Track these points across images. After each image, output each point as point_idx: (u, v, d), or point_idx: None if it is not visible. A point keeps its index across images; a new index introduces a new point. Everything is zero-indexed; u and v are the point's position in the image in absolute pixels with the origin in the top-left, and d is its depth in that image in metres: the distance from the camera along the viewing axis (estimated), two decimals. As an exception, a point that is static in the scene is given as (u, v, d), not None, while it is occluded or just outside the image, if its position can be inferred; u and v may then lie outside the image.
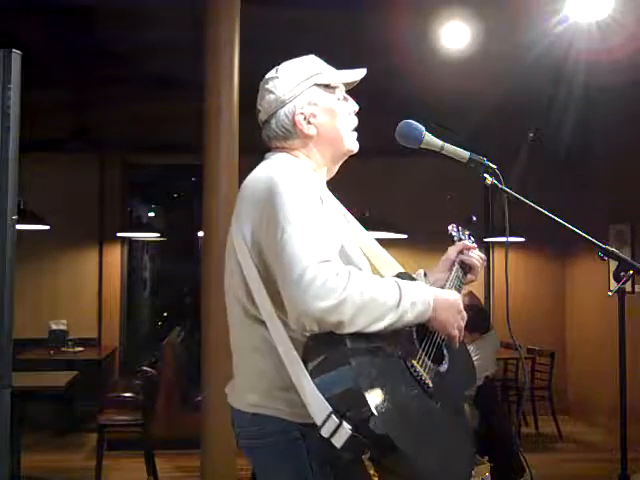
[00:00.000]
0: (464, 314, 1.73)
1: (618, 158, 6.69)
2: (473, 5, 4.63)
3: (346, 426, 1.43)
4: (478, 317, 5.22)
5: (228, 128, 4.24)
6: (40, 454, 5.77)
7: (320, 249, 1.53)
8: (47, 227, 6.43)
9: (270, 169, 1.74)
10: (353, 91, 1.94)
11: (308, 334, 1.54)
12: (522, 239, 6.64)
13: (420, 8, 4.60)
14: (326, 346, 1.52)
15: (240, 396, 1.73)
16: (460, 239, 2.13)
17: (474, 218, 2.06)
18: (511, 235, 1.85)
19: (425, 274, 1.97)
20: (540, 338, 7.23)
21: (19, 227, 1.99)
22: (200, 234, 6.49)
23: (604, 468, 4.15)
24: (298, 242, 1.53)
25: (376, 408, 1.43)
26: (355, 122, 1.90)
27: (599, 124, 6.42)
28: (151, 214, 11.23)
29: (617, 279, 2.08)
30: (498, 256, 7.81)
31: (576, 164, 7.37)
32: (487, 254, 7.84)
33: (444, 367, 1.71)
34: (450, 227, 2.19)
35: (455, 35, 4.94)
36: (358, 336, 1.51)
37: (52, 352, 6.68)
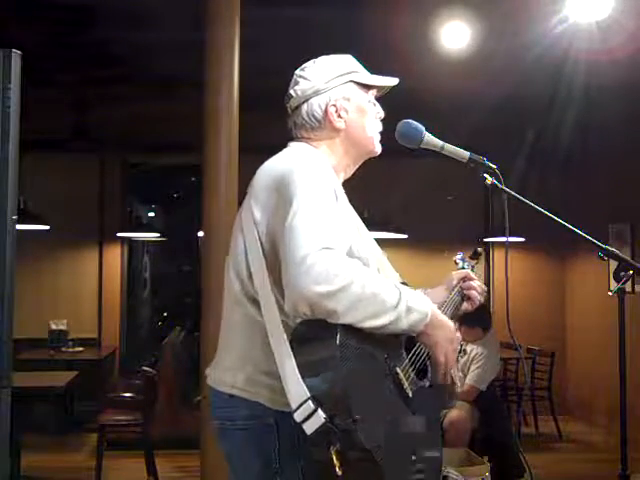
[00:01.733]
0: (456, 346, 1.72)
1: (618, 158, 6.70)
2: (473, 5, 4.62)
3: (321, 414, 1.44)
4: (479, 311, 5.21)
5: (228, 128, 4.24)
6: (40, 454, 5.76)
7: (326, 236, 1.53)
8: (47, 227, 6.43)
9: (289, 157, 1.75)
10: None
11: (300, 319, 1.54)
12: (522, 239, 6.64)
13: (420, 8, 4.59)
14: (316, 335, 1.52)
15: (220, 376, 1.74)
16: (464, 268, 2.13)
17: (479, 250, 2.07)
18: (511, 235, 1.84)
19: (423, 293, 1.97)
20: (540, 338, 7.23)
21: (19, 227, 1.99)
22: (200, 234, 6.49)
23: (604, 468, 4.15)
24: (306, 228, 1.53)
25: (356, 407, 1.43)
26: (380, 127, 1.91)
27: (599, 124, 6.41)
28: (151, 214, 11.24)
29: (617, 279, 2.09)
30: (498, 256, 7.81)
31: (576, 164, 7.37)
32: (487, 254, 7.84)
33: (426, 383, 1.71)
34: (458, 256, 2.20)
35: (455, 35, 4.94)
36: (349, 331, 1.51)
37: (52, 352, 6.68)
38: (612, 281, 2.10)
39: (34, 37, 5.13)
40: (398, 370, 1.61)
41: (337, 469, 1.43)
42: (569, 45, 4.80)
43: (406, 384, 1.61)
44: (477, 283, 2.03)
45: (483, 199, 7.82)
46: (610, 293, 2.21)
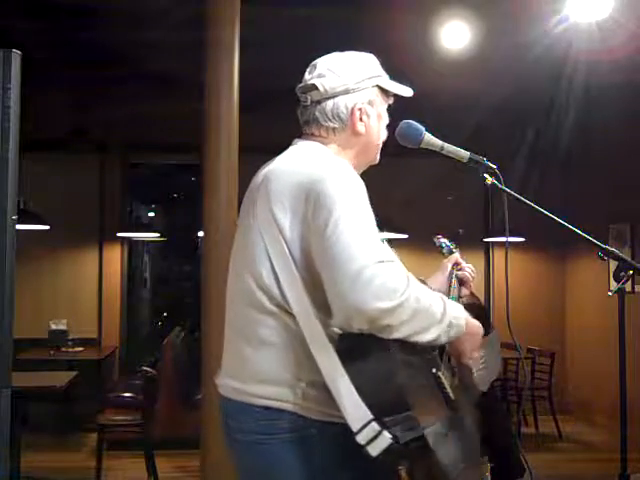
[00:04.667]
0: (479, 344, 1.72)
1: (618, 158, 6.69)
2: (473, 5, 4.63)
3: (387, 435, 1.39)
4: (479, 317, 5.22)
5: (228, 128, 4.24)
6: (40, 454, 5.76)
7: (377, 247, 1.48)
8: (47, 227, 6.43)
9: (312, 160, 1.67)
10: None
11: (340, 331, 1.49)
12: (522, 239, 6.64)
13: (420, 8, 4.60)
14: (368, 350, 1.47)
15: (247, 388, 1.63)
16: (452, 251, 2.14)
17: (460, 231, 2.08)
18: (511, 235, 1.84)
19: (424, 282, 1.97)
20: (540, 338, 7.22)
21: (19, 227, 1.99)
22: (200, 234, 6.49)
23: (604, 468, 4.15)
24: (355, 239, 1.47)
25: (424, 423, 1.40)
26: (386, 135, 1.87)
27: (599, 124, 6.41)
28: (151, 214, 11.24)
29: (617, 279, 2.09)
30: (498, 256, 7.81)
31: (576, 164, 7.36)
32: (487, 254, 7.84)
33: (455, 381, 1.70)
34: (436, 239, 2.20)
35: (455, 35, 4.94)
36: (402, 345, 1.47)
37: (52, 352, 6.68)
38: (612, 281, 2.10)
39: (34, 37, 5.13)
40: (440, 374, 1.58)
41: None
42: (569, 45, 4.80)
43: (447, 387, 1.58)
44: (467, 265, 2.06)
45: (483, 199, 7.81)
46: (610, 293, 2.21)
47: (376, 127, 1.80)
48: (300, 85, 1.79)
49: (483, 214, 7.89)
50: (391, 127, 1.90)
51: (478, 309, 5.64)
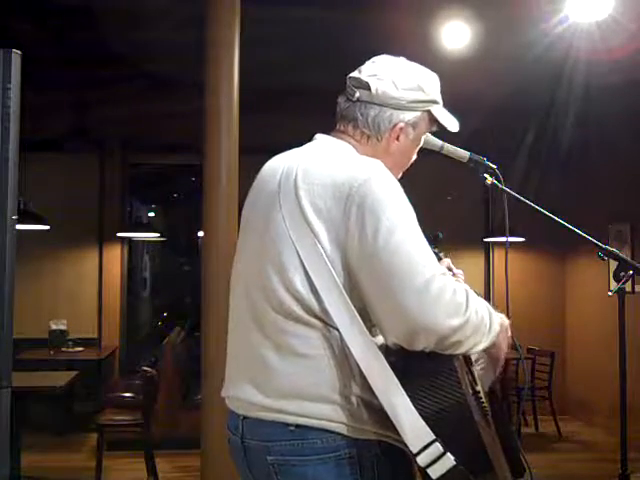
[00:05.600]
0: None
1: (618, 158, 6.69)
2: (473, 5, 4.63)
3: (450, 457, 1.34)
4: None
5: (228, 128, 4.24)
6: (40, 454, 5.76)
7: (434, 259, 1.41)
8: (47, 227, 6.43)
9: (348, 160, 1.55)
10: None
11: (397, 347, 1.40)
12: (522, 239, 6.64)
13: (420, 8, 4.59)
14: (431, 367, 1.40)
15: (275, 403, 1.48)
16: (440, 258, 2.11)
17: (440, 235, 2.02)
18: (511, 235, 1.84)
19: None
20: (540, 338, 7.23)
21: (19, 227, 1.99)
22: (200, 234, 6.49)
23: (604, 468, 4.15)
24: (414, 247, 1.39)
25: (486, 442, 1.37)
26: (414, 159, 1.78)
27: (599, 124, 6.41)
28: (151, 214, 11.23)
29: (617, 279, 2.08)
30: (498, 256, 7.81)
31: (576, 164, 7.36)
32: (487, 254, 7.84)
33: (477, 387, 1.65)
34: None
35: (455, 35, 4.94)
36: (458, 359, 1.43)
37: (52, 352, 6.68)
38: (612, 281, 2.10)
39: (34, 37, 5.13)
40: (474, 384, 1.54)
41: None
42: (569, 45, 4.80)
43: (485, 401, 1.55)
44: (458, 271, 1.99)
45: (483, 199, 7.81)
46: (610, 293, 2.21)
47: (410, 150, 1.72)
48: (353, 76, 1.68)
49: (483, 214, 7.88)
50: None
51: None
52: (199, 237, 7.65)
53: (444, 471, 1.34)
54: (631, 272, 2.04)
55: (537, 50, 4.80)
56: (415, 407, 1.37)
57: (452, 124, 1.73)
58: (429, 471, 1.35)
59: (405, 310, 1.35)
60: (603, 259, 2.04)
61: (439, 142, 1.89)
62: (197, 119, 4.27)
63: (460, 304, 1.38)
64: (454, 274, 1.91)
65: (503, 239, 6.91)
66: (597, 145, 6.95)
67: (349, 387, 1.44)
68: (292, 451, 1.46)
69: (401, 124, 1.64)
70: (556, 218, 1.97)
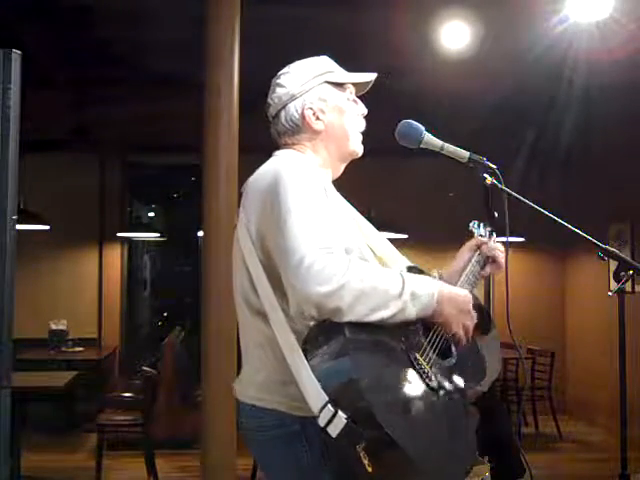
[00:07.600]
0: (473, 314, 1.73)
1: (618, 158, 6.69)
2: (473, 5, 4.62)
3: (342, 415, 1.43)
4: (478, 315, 5.21)
5: (228, 128, 4.24)
6: (40, 454, 5.77)
7: (320, 237, 1.54)
8: (47, 227, 6.43)
9: (276, 163, 1.75)
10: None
11: (309, 323, 1.54)
12: (522, 239, 6.64)
13: (420, 8, 4.59)
14: (326, 336, 1.52)
15: (243, 388, 1.75)
16: (481, 235, 2.13)
17: (496, 214, 2.04)
18: (511, 235, 1.84)
19: (441, 276, 1.96)
20: (540, 338, 7.23)
21: (19, 227, 1.99)
22: (200, 234, 6.49)
23: (604, 468, 4.15)
24: (299, 230, 1.54)
25: (374, 399, 1.42)
26: (363, 125, 1.91)
27: (599, 124, 6.41)
28: (151, 214, 11.22)
29: (617, 279, 2.08)
30: (498, 256, 7.80)
31: (576, 164, 7.36)
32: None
33: (451, 362, 1.70)
34: (471, 224, 2.19)
35: (455, 35, 4.94)
36: (358, 327, 1.51)
37: (52, 352, 6.68)
38: (612, 281, 2.10)
39: (34, 37, 5.13)
40: (418, 356, 1.59)
41: (367, 466, 1.43)
42: (569, 45, 4.80)
43: (428, 369, 1.59)
44: (496, 245, 2.05)
45: (483, 199, 7.81)
46: (610, 293, 2.21)
47: (337, 120, 1.85)
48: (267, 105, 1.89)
49: (483, 214, 7.88)
50: (391, 127, 1.91)
51: (478, 309, 5.63)
52: (199, 237, 7.64)
53: (339, 429, 1.43)
54: (631, 272, 2.04)
55: (537, 50, 4.80)
56: (313, 373, 1.50)
57: (358, 77, 1.90)
58: (329, 431, 1.44)
59: (289, 284, 1.53)
60: (603, 259, 2.03)
61: (439, 142, 1.90)
62: (197, 119, 4.27)
63: (331, 273, 1.48)
64: (492, 248, 2.02)
65: (503, 239, 6.90)
66: (597, 145, 6.95)
67: (283, 370, 1.58)
68: (251, 428, 1.72)
69: (307, 106, 1.82)
70: (556, 218, 1.97)
